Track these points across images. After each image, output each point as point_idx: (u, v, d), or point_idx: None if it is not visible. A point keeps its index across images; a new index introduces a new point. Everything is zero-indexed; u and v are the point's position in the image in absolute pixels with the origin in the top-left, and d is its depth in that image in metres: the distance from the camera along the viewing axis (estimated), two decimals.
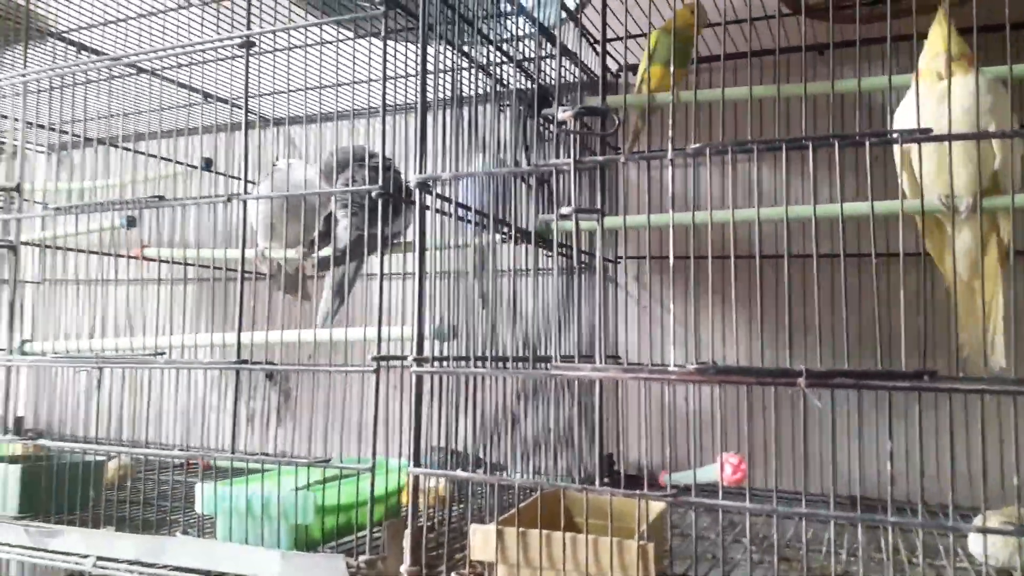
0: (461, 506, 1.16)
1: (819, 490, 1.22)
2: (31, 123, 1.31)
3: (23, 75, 1.13)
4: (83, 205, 1.13)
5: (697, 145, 0.73)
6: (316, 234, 1.19)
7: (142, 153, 1.53)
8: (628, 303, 1.46)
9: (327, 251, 1.21)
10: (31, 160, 1.77)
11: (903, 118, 0.91)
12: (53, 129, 1.54)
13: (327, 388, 1.51)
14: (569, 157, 0.78)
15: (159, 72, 1.44)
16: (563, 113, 0.78)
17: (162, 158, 1.57)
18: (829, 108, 1.21)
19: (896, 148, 0.92)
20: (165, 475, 1.43)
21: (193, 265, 1.52)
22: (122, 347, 1.22)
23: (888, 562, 0.91)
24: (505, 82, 1.15)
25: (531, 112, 1.13)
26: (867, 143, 0.67)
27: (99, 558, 1.01)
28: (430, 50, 0.91)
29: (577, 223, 0.78)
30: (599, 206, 0.78)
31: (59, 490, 1.08)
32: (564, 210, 0.77)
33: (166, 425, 1.57)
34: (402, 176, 1.22)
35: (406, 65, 1.33)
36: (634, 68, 1.46)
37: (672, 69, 1.13)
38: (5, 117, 1.33)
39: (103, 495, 1.16)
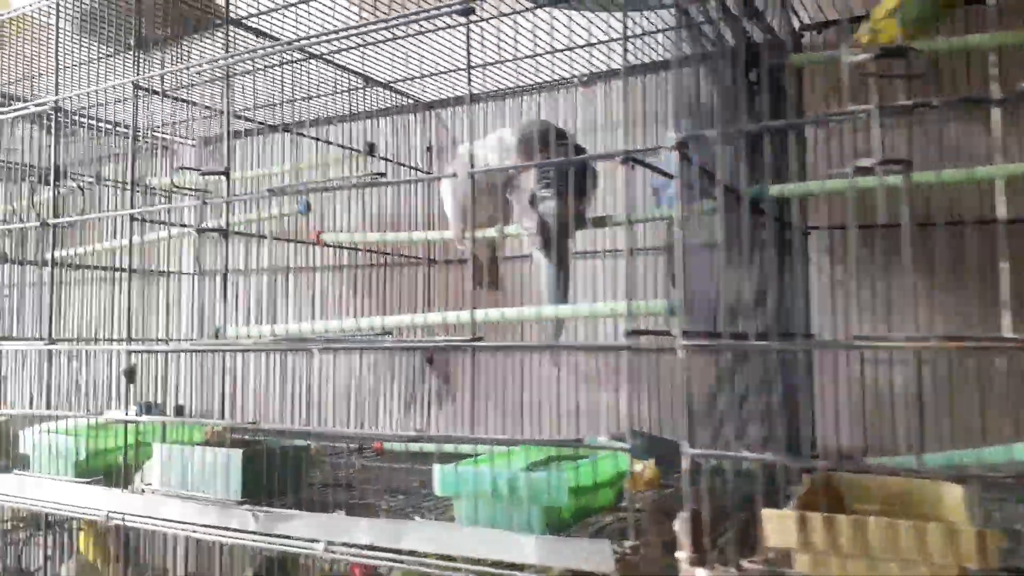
0: (668, 490, 1.11)
1: None
2: (221, 111, 1.31)
3: (226, 59, 1.13)
4: (290, 187, 1.12)
5: None
6: (534, 220, 1.14)
7: (314, 138, 1.52)
8: (818, 277, 1.37)
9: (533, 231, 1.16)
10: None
11: None
12: (238, 117, 1.56)
13: (514, 370, 1.47)
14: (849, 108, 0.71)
15: (326, 56, 1.43)
16: (857, 56, 0.70)
17: (330, 143, 1.57)
18: None
19: None
20: (340, 459, 1.43)
21: (371, 251, 1.52)
22: (317, 330, 1.22)
23: None
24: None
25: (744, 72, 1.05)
26: None
27: (328, 543, 1.00)
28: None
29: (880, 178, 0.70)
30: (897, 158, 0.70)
31: (277, 474, 1.08)
32: (863, 162, 0.69)
33: (340, 410, 1.57)
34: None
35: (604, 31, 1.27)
36: (820, 27, 1.37)
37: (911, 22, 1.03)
38: (195, 104, 1.34)
39: (306, 479, 1.16)
